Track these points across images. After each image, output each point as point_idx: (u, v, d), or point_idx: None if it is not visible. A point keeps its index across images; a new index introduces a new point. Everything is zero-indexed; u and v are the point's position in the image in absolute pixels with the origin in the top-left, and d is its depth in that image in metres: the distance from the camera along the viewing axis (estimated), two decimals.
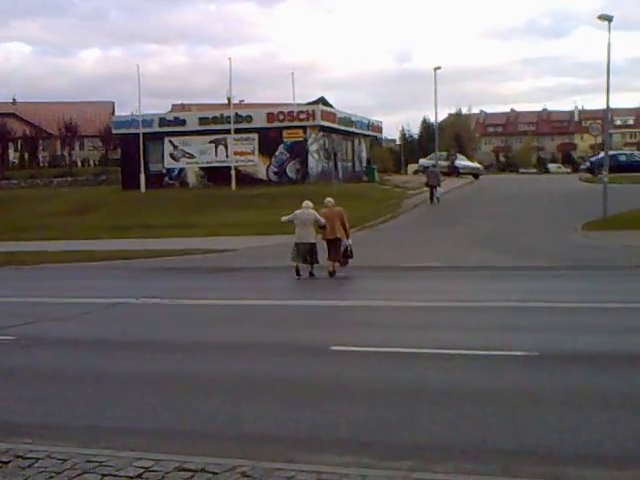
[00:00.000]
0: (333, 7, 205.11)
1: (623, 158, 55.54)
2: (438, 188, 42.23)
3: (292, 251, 20.17)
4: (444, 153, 60.10)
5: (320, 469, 5.94)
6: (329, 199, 21.11)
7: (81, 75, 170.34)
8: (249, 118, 50.07)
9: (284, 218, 21.10)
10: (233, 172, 47.49)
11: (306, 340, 11.69)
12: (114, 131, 57.86)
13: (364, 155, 59.51)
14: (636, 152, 67.55)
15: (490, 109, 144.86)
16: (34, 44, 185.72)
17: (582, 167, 64.65)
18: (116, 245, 29.56)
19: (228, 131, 48.86)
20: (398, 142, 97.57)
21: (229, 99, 57.72)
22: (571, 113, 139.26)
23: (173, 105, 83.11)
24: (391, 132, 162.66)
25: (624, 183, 40.99)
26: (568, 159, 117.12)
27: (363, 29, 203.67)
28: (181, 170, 51.77)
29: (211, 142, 50.76)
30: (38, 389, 9.09)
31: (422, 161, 63.53)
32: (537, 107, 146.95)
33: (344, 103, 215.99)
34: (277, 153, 49.51)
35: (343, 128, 53.23)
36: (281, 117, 49.47)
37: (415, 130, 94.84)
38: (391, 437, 6.86)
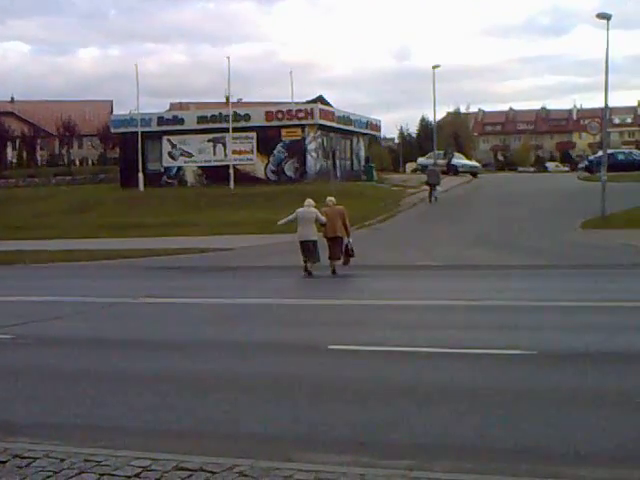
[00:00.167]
0: (332, 6, 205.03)
1: (621, 157, 55.55)
2: (438, 187, 42.27)
3: (302, 252, 20.30)
4: (441, 152, 60.14)
5: (318, 468, 5.93)
6: (331, 198, 21.23)
7: (79, 74, 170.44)
8: (247, 117, 50.05)
9: (281, 222, 21.28)
10: (231, 171, 47.45)
11: (303, 339, 11.70)
12: (112, 130, 57.83)
13: (362, 154, 59.47)
14: (634, 151, 67.52)
15: (489, 108, 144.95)
16: (32, 43, 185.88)
17: (580, 166, 64.58)
18: (114, 244, 29.55)
19: (226, 130, 48.83)
20: (397, 141, 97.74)
21: (227, 98, 57.77)
22: (569, 112, 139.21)
23: (171, 104, 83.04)
24: (390, 131, 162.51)
25: (622, 182, 41.01)
26: (566, 158, 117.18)
27: (362, 28, 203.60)
28: (179, 169, 51.75)
29: (209, 141, 50.73)
30: (36, 388, 9.08)
31: (420, 160, 63.60)
32: (535, 106, 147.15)
33: (343, 102, 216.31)
34: (275, 152, 49.48)
35: (342, 127, 53.20)
36: (279, 116, 49.44)
37: (414, 129, 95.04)
38: (389, 436, 6.86)
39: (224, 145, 50.00)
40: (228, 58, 50.97)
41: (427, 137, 74.69)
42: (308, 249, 20.14)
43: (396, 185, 50.14)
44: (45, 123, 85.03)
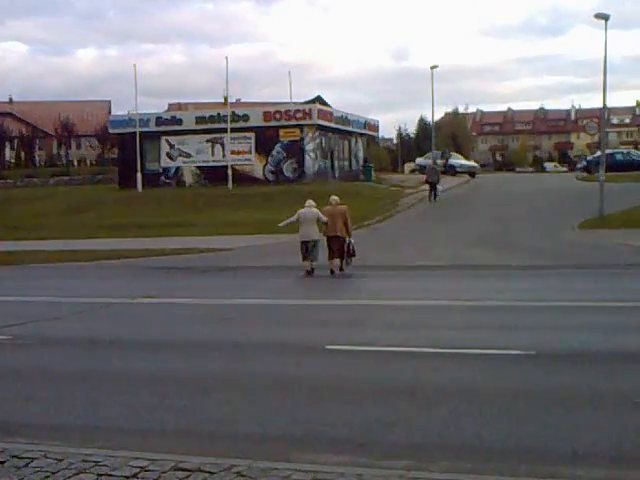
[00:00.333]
0: (330, 6, 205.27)
1: (620, 157, 55.51)
2: (438, 186, 42.33)
3: (301, 251, 20.47)
4: (439, 152, 60.14)
5: (316, 468, 5.94)
6: (334, 197, 21.32)
7: (78, 74, 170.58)
8: (246, 117, 50.01)
9: (282, 224, 21.39)
10: (230, 171, 47.41)
11: (301, 339, 11.70)
12: (111, 130, 57.79)
13: (361, 154, 59.43)
14: (633, 151, 67.53)
15: (487, 108, 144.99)
16: (31, 43, 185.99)
17: (579, 166, 64.59)
18: (113, 244, 29.52)
19: (225, 130, 48.79)
20: (395, 141, 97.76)
21: (226, 98, 57.75)
22: (568, 112, 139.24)
23: (170, 104, 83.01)
24: (388, 131, 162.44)
25: (621, 182, 41.01)
26: (565, 158, 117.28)
27: (360, 28, 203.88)
28: (178, 169, 51.70)
29: (208, 141, 50.68)
30: (34, 388, 9.08)
31: (419, 160, 63.59)
32: (534, 106, 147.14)
33: (341, 102, 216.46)
34: (274, 152, 49.44)
35: (340, 127, 53.17)
36: (278, 116, 49.41)
37: (412, 129, 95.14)
38: (387, 436, 6.86)
39: (222, 145, 49.96)
40: (226, 58, 51.09)
41: (425, 137, 74.70)
42: (309, 248, 20.25)
43: (394, 185, 50.15)
44: (43, 123, 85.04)
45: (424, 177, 45.19)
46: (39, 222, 40.20)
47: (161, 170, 51.80)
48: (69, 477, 5.89)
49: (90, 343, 11.88)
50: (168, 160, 51.70)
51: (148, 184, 49.03)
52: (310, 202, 20.97)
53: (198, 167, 51.16)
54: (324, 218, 20.50)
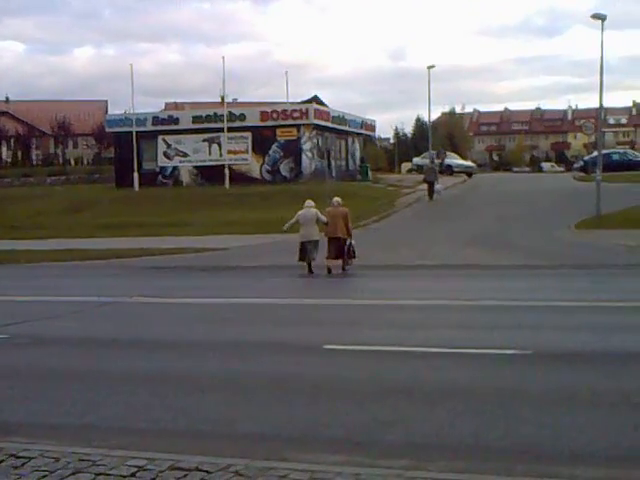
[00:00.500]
0: (327, 5, 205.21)
1: (616, 157, 55.53)
2: (436, 185, 42.42)
3: (299, 251, 20.57)
4: (434, 152, 60.11)
5: (314, 468, 5.93)
6: (336, 199, 21.51)
7: (74, 73, 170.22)
8: (242, 117, 49.99)
9: (285, 226, 21.56)
10: (227, 171, 47.38)
11: (299, 339, 11.71)
12: (107, 130, 57.73)
13: (358, 154, 59.46)
14: (629, 151, 67.64)
15: (484, 108, 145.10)
16: (27, 42, 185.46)
17: (575, 166, 64.65)
18: (109, 244, 29.50)
19: (221, 130, 48.76)
20: (392, 141, 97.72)
21: (222, 97, 57.70)
22: (565, 112, 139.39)
23: (166, 104, 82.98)
24: (385, 131, 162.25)
25: (617, 182, 41.01)
26: (561, 158, 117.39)
27: (357, 27, 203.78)
28: (174, 169, 51.66)
29: (204, 141, 50.65)
30: (31, 388, 9.07)
31: (416, 160, 63.57)
32: (531, 106, 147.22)
33: (338, 102, 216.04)
34: (271, 152, 49.43)
35: (337, 127, 53.16)
36: (275, 116, 49.39)
37: (409, 129, 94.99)
38: (384, 436, 6.86)
39: (219, 145, 49.94)
40: (223, 58, 50.77)
41: (422, 137, 74.59)
42: (308, 249, 20.37)
43: (391, 185, 50.13)
44: (40, 123, 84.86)
45: (422, 177, 45.31)
46: (36, 221, 40.16)
47: (158, 169, 51.76)
48: (66, 476, 5.89)
49: (87, 342, 11.88)
50: (165, 159, 51.67)
51: (145, 183, 48.99)
52: (309, 202, 21.13)
53: (195, 166, 51.13)
54: (324, 218, 20.65)
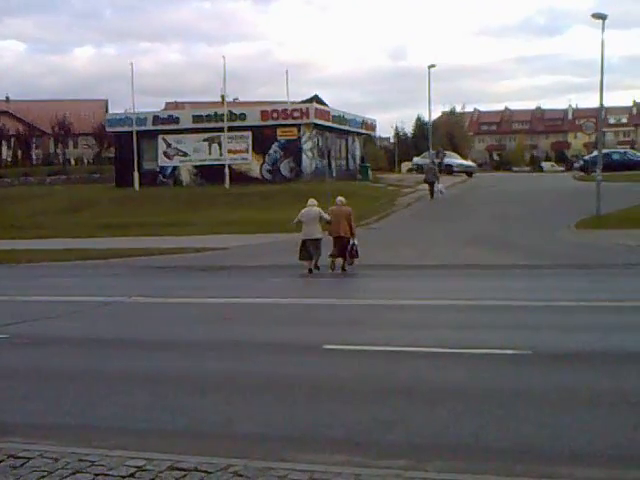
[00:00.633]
0: (328, 5, 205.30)
1: (616, 156, 55.55)
2: (437, 184, 42.47)
3: (300, 250, 20.70)
4: (434, 152, 60.10)
5: (313, 468, 5.93)
6: (340, 198, 21.63)
7: (75, 73, 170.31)
8: (243, 116, 50.00)
9: (293, 222, 21.64)
10: (227, 170, 47.41)
11: (299, 338, 11.70)
12: (108, 129, 57.70)
13: (358, 153, 59.46)
14: (629, 150, 67.67)
15: (484, 107, 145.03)
16: (28, 42, 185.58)
17: (576, 165, 64.66)
18: (109, 243, 29.51)
19: (222, 129, 48.77)
20: (392, 140, 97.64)
21: (223, 97, 57.63)
22: (565, 111, 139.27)
23: (167, 103, 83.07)
24: (385, 130, 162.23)
25: (617, 181, 41.02)
26: (562, 158, 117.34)
27: (358, 27, 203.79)
28: (175, 168, 51.65)
29: (205, 140, 50.65)
30: (30, 388, 9.07)
31: (416, 159, 63.55)
32: (531, 105, 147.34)
33: (338, 101, 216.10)
34: (271, 151, 49.43)
35: (337, 126, 53.16)
36: (275, 115, 49.39)
37: (409, 128, 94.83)
38: (384, 436, 6.86)
39: (219, 144, 49.94)
40: (224, 57, 50.85)
41: (423, 137, 74.47)
42: (311, 247, 20.49)
43: (391, 185, 50.13)
44: (40, 122, 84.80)
45: (423, 176, 45.36)
46: (36, 221, 40.19)
47: (158, 169, 51.76)
48: (65, 477, 5.88)
49: (86, 342, 11.87)
50: (165, 159, 51.66)
51: (145, 183, 49.03)
52: (312, 201, 21.30)
53: (195, 166, 51.12)
54: (326, 216, 20.82)
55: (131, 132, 49.92)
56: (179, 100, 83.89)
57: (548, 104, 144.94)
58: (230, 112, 49.92)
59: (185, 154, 51.17)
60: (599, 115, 37.09)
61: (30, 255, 26.73)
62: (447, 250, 24.59)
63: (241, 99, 77.03)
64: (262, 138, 49.09)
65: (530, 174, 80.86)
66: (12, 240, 32.01)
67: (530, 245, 25.40)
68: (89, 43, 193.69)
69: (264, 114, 49.62)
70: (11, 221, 40.05)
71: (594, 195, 31.31)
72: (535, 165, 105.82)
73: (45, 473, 5.96)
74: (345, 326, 12.83)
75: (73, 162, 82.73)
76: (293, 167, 49.14)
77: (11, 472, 5.99)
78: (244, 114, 50.19)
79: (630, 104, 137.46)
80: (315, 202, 21.28)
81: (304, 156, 49.44)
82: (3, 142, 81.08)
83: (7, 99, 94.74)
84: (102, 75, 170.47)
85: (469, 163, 64.20)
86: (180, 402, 8.16)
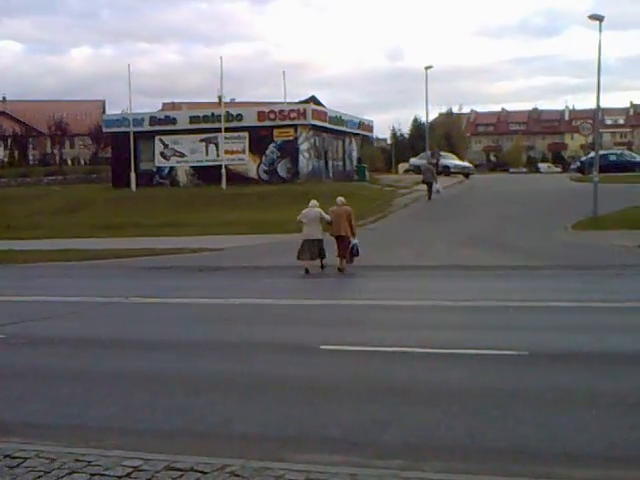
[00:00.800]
0: (325, 6, 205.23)
1: (613, 158, 55.63)
2: (435, 184, 42.52)
3: (299, 249, 20.89)
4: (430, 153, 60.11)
5: (310, 468, 5.93)
6: (340, 198, 21.84)
7: (72, 73, 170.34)
8: (240, 117, 49.95)
9: (296, 221, 21.88)
10: (224, 171, 47.37)
11: (296, 339, 11.69)
12: (105, 130, 57.57)
13: (355, 154, 59.45)
14: (626, 152, 67.68)
15: (481, 108, 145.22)
16: (25, 42, 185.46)
17: (572, 167, 64.71)
18: (106, 244, 29.50)
19: (219, 130, 48.73)
20: (389, 141, 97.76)
21: (220, 98, 57.63)
22: (562, 112, 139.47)
23: (164, 104, 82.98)
24: (382, 131, 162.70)
25: (614, 183, 41.08)
26: (558, 159, 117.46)
27: (355, 28, 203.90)
28: (172, 169, 51.59)
29: (202, 141, 50.59)
30: (27, 388, 9.06)
31: (413, 160, 63.58)
32: (528, 106, 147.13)
33: (335, 102, 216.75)
34: (268, 152, 49.38)
35: (334, 127, 53.14)
36: (272, 116, 49.35)
37: (406, 129, 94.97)
38: (381, 436, 6.86)
39: (216, 145, 49.89)
40: (221, 58, 51.33)
41: (420, 138, 74.65)
42: (313, 248, 20.69)
43: (388, 185, 50.12)
44: (37, 122, 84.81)
45: (421, 177, 45.42)
46: (33, 221, 40.15)
47: (155, 170, 51.70)
48: (62, 477, 5.88)
49: (83, 343, 11.87)
50: (162, 160, 51.61)
51: (142, 184, 48.96)
52: (313, 202, 21.54)
53: (192, 167, 51.04)
54: (327, 217, 21.08)
55: (128, 133, 49.86)
56: (176, 101, 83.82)
57: (545, 105, 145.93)
58: (227, 113, 49.86)
59: (182, 155, 51.12)
60: (596, 116, 37.17)
61: (27, 255, 26.71)
62: (444, 251, 24.60)
63: (238, 100, 77.05)
64: (259, 139, 49.05)
65: (527, 175, 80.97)
66: (9, 240, 31.97)
67: (527, 246, 25.41)
68: (86, 44, 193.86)
69: (261, 115, 49.58)
70: (8, 221, 39.98)
71: (591, 196, 31.33)
72: (532, 166, 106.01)
73: (41, 473, 5.95)
74: (342, 326, 12.83)
75: (70, 162, 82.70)
76: (290, 168, 49.10)
77: (7, 472, 5.99)
78: (241, 115, 50.15)
79: (627, 105, 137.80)
80: (317, 203, 21.50)
81: (301, 157, 49.42)
82: (0, 142, 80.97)
83: (4, 99, 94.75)
84: (99, 76, 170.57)
85: (466, 164, 64.17)
86: (177, 402, 8.15)
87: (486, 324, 12.66)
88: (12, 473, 5.96)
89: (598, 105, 34.86)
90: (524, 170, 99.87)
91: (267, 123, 49.19)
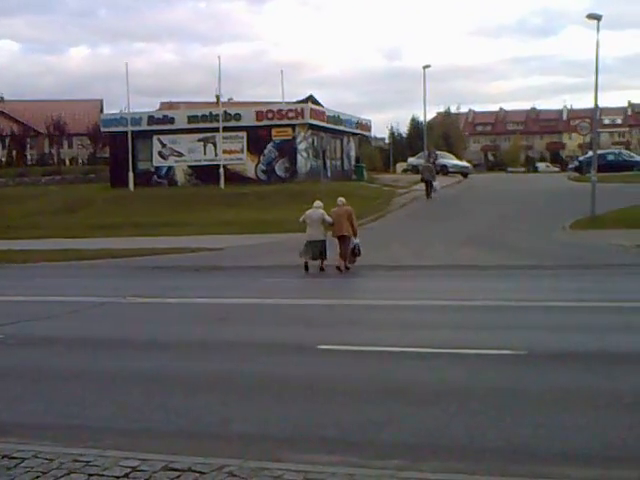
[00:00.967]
0: (323, 5, 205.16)
1: (611, 157, 55.69)
2: (434, 183, 42.58)
3: (302, 248, 21.10)
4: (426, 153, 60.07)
5: (307, 468, 5.92)
6: (341, 198, 22.08)
7: (69, 73, 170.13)
8: (238, 116, 49.94)
9: (300, 221, 22.04)
10: (222, 170, 47.36)
11: (293, 339, 11.69)
12: (103, 129, 57.55)
13: (353, 154, 59.42)
14: (624, 151, 67.74)
15: (479, 108, 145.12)
16: (22, 41, 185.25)
17: (570, 166, 64.75)
18: (104, 244, 29.48)
19: (217, 129, 48.73)
20: (387, 141, 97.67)
21: (218, 97, 57.64)
22: (560, 112, 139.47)
23: (162, 103, 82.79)
24: (380, 131, 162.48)
25: (612, 182, 41.11)
26: (556, 158, 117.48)
27: (353, 27, 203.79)
28: (170, 168, 51.58)
29: (200, 140, 50.59)
30: (24, 388, 9.05)
31: (411, 160, 63.58)
32: (526, 106, 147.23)
33: (333, 101, 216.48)
34: (266, 151, 49.39)
35: (332, 127, 53.13)
36: (270, 115, 49.35)
37: (404, 129, 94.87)
38: (379, 436, 6.86)
39: (214, 145, 49.88)
40: (219, 57, 51.37)
41: (418, 137, 74.53)
42: (315, 248, 20.87)
43: (387, 185, 50.13)
44: (35, 122, 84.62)
45: (419, 176, 45.52)
46: (31, 221, 40.10)
47: (153, 169, 51.68)
48: (60, 477, 5.87)
49: (81, 343, 11.86)
50: (160, 159, 51.59)
51: (140, 183, 48.94)
52: (318, 203, 21.77)
53: (190, 166, 51.04)
54: (329, 219, 21.26)
55: (126, 132, 49.84)
56: (174, 100, 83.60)
57: (543, 105, 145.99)
58: (225, 112, 49.86)
59: (180, 154, 51.11)
60: (594, 116, 37.15)
61: (25, 255, 26.70)
62: (442, 250, 24.62)
63: (236, 99, 76.87)
64: (257, 138, 49.05)
65: (525, 175, 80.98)
66: (7, 240, 31.94)
67: (525, 245, 25.43)
68: (84, 43, 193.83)
69: (259, 114, 49.57)
70: (6, 221, 39.96)
71: (589, 196, 31.35)
72: (530, 166, 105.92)
73: (39, 473, 5.94)
74: (339, 326, 12.84)
75: (68, 162, 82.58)
76: (288, 167, 49.09)
77: (5, 472, 5.98)
78: (239, 114, 50.13)
79: (625, 105, 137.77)
80: (321, 204, 21.71)
81: (299, 156, 49.41)
82: None
83: (2, 99, 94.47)
84: (97, 75, 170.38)
85: (464, 164, 64.13)
86: (175, 402, 8.15)
87: (484, 324, 12.66)
88: (10, 474, 5.95)
89: (596, 104, 34.90)
90: (522, 170, 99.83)
91: (265, 123, 49.19)
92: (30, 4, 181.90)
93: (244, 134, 49.42)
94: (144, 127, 51.27)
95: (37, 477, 5.89)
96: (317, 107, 55.08)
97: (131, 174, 49.29)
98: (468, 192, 46.72)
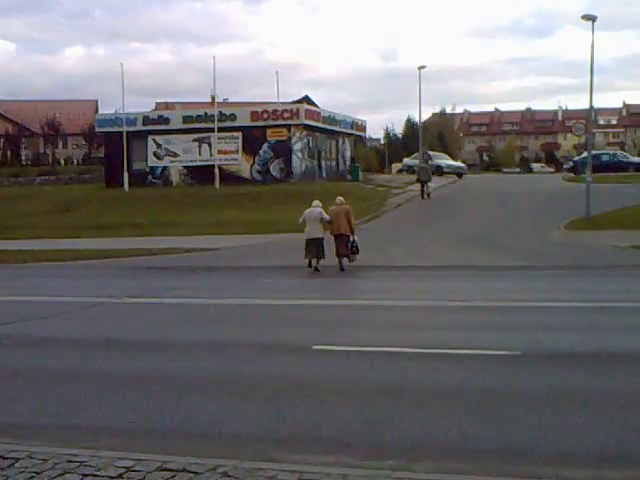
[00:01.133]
0: (319, 6, 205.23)
1: (606, 158, 55.73)
2: (429, 183, 42.64)
3: (305, 249, 21.28)
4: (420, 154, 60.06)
5: (302, 469, 5.93)
6: (340, 197, 22.24)
7: (65, 73, 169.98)
8: (233, 117, 49.92)
9: (299, 221, 22.14)
10: (217, 171, 47.33)
11: (288, 339, 11.69)
12: (97, 129, 57.57)
13: (348, 154, 59.44)
14: (619, 152, 67.83)
15: (474, 108, 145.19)
16: (18, 41, 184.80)
17: (565, 167, 64.83)
18: (99, 244, 29.45)
19: (212, 130, 48.70)
20: (382, 141, 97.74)
21: (213, 97, 57.55)
22: (555, 113, 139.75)
23: (157, 103, 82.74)
24: (375, 131, 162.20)
25: (607, 183, 41.17)
26: (551, 159, 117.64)
27: (349, 28, 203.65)
28: (165, 169, 51.54)
29: (195, 141, 50.56)
30: (19, 388, 9.04)
31: (406, 160, 63.57)
32: (521, 107, 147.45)
33: (329, 102, 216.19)
34: (261, 152, 49.38)
35: (327, 127, 53.15)
36: (265, 116, 49.35)
37: (399, 129, 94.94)
38: (373, 437, 6.87)
39: (210, 145, 49.85)
40: (214, 58, 50.75)
41: (413, 138, 74.62)
42: (314, 246, 21.01)
43: (381, 185, 50.11)
44: (30, 122, 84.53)
45: (414, 177, 45.58)
46: (26, 221, 40.01)
47: (148, 169, 51.62)
48: (54, 477, 5.87)
49: (76, 343, 11.85)
50: (155, 159, 51.55)
51: (135, 183, 48.86)
52: (316, 202, 22.05)
53: (185, 167, 51.02)
54: (327, 217, 21.46)
55: (121, 132, 49.79)
56: (169, 100, 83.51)
57: (538, 105, 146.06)
58: (220, 113, 49.82)
59: (175, 154, 51.07)
60: (589, 116, 37.14)
61: (20, 255, 26.65)
62: (437, 251, 24.63)
63: (231, 100, 76.77)
64: (252, 139, 49.03)
65: (520, 175, 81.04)
66: (2, 240, 31.89)
67: (520, 246, 25.45)
68: (79, 43, 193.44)
69: (254, 115, 49.56)
70: (1, 221, 39.86)
71: (584, 196, 31.37)
72: (525, 166, 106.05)
73: (33, 474, 5.94)
74: (335, 327, 12.84)
75: (62, 162, 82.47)
76: (283, 168, 49.08)
77: None
78: (234, 115, 50.12)
79: (620, 105, 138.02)
80: (319, 203, 21.96)
81: (294, 157, 49.42)
82: None
83: None
84: (92, 75, 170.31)
85: (459, 164, 64.17)
86: (170, 403, 8.15)
87: (479, 324, 12.67)
88: (4, 474, 5.95)
89: (591, 105, 34.91)
90: (517, 170, 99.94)
91: (260, 123, 49.19)
92: (25, 4, 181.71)
93: (239, 134, 49.41)
94: (139, 127, 51.23)
95: (31, 477, 5.89)
96: (312, 107, 55.11)
97: (126, 174, 49.22)
98: (463, 193, 46.70)
